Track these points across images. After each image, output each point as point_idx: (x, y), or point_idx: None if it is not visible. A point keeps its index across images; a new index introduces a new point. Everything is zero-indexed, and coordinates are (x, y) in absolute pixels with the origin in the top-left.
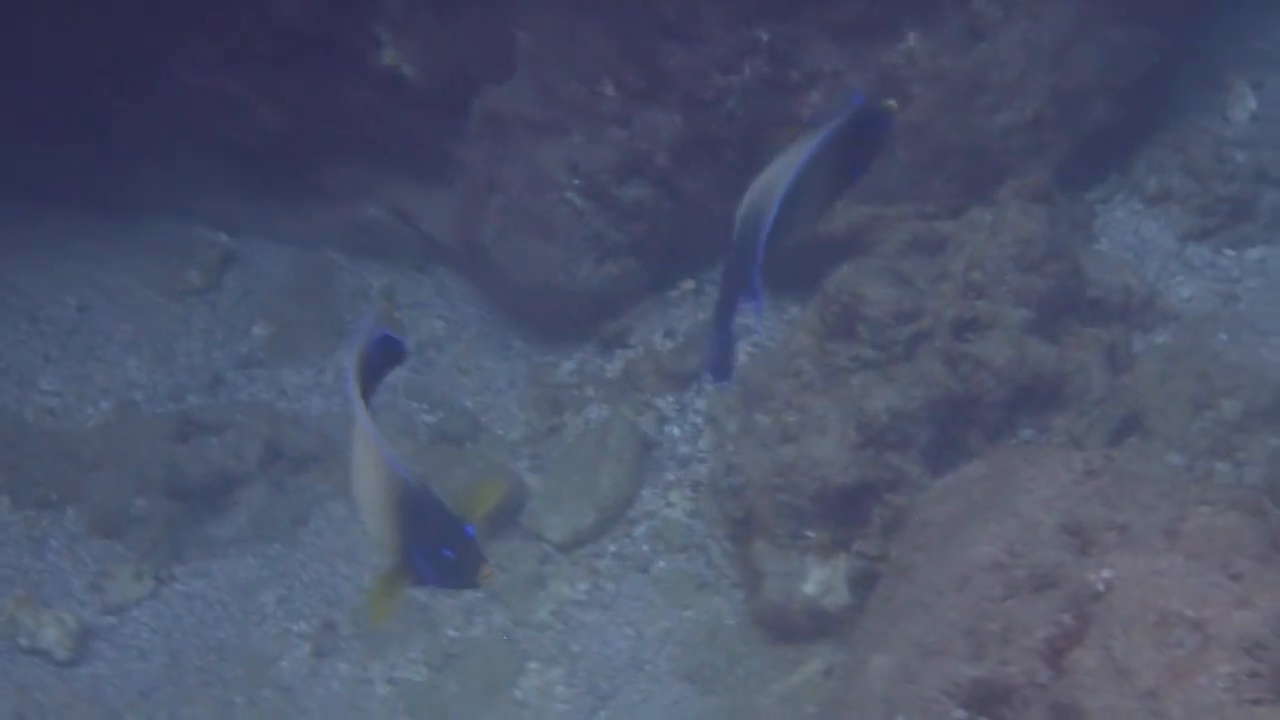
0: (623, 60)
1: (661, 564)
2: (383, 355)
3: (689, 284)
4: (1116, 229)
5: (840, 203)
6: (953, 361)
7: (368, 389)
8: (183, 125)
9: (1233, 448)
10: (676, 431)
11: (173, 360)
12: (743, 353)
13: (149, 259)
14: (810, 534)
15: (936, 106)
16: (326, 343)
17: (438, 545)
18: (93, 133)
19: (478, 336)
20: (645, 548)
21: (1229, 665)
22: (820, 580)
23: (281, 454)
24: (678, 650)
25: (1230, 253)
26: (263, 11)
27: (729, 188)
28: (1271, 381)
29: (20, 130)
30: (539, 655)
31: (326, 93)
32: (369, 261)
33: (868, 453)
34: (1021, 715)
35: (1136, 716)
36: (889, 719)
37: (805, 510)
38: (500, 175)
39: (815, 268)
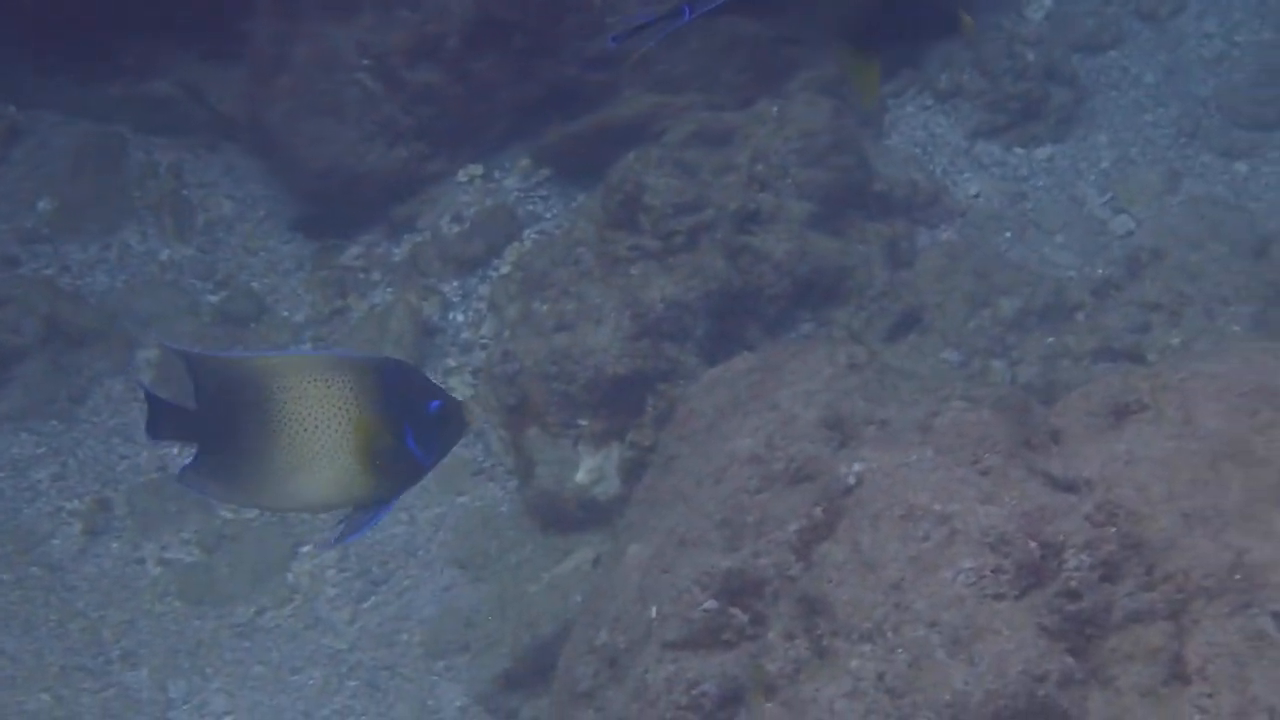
0: None
1: None
2: None
3: (477, 169)
4: (907, 124)
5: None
6: (733, 253)
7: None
8: None
9: (1008, 346)
10: (460, 317)
11: None
12: (529, 238)
13: None
14: (583, 422)
15: None
16: (112, 219)
17: (424, 403)
18: None
19: (266, 217)
20: None
21: (972, 560)
22: (592, 469)
23: (61, 330)
24: (450, 536)
25: (1019, 151)
26: None
27: (519, 73)
28: (1050, 280)
29: None
30: (312, 539)
31: None
32: (159, 138)
33: (643, 343)
34: (771, 607)
35: (881, 609)
36: (643, 608)
37: (578, 399)
38: (289, 54)
39: (602, 156)
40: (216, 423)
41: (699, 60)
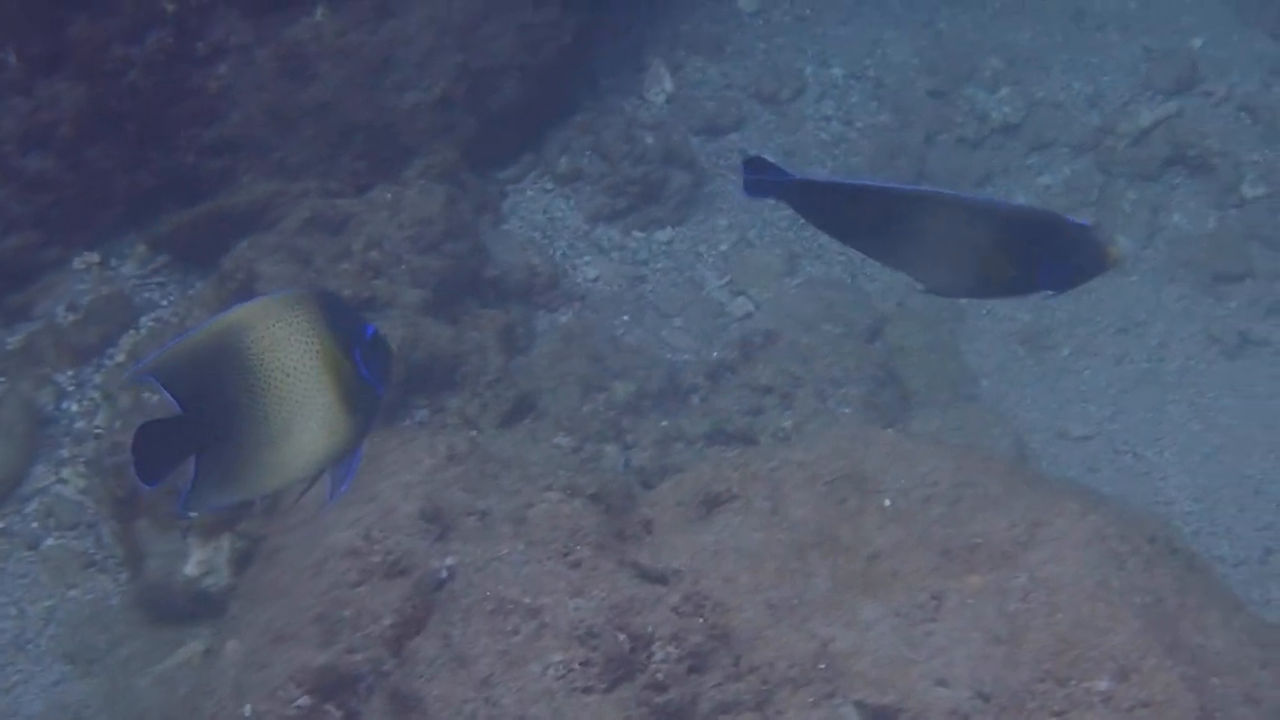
0: (26, 28)
1: (50, 541)
2: None
3: (94, 257)
4: (526, 208)
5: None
6: None
7: None
8: None
9: (622, 430)
10: (74, 407)
11: None
12: (146, 326)
13: None
14: (193, 514)
15: (345, 84)
16: None
17: (360, 328)
18: None
19: None
20: (35, 525)
21: (561, 653)
22: (201, 561)
23: None
24: (60, 630)
25: (639, 234)
26: None
27: (134, 160)
28: (665, 364)
29: None
30: None
31: None
32: None
33: None
34: (365, 703)
35: (471, 704)
36: (238, 705)
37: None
38: None
39: (220, 243)
40: (205, 412)
41: (316, 147)
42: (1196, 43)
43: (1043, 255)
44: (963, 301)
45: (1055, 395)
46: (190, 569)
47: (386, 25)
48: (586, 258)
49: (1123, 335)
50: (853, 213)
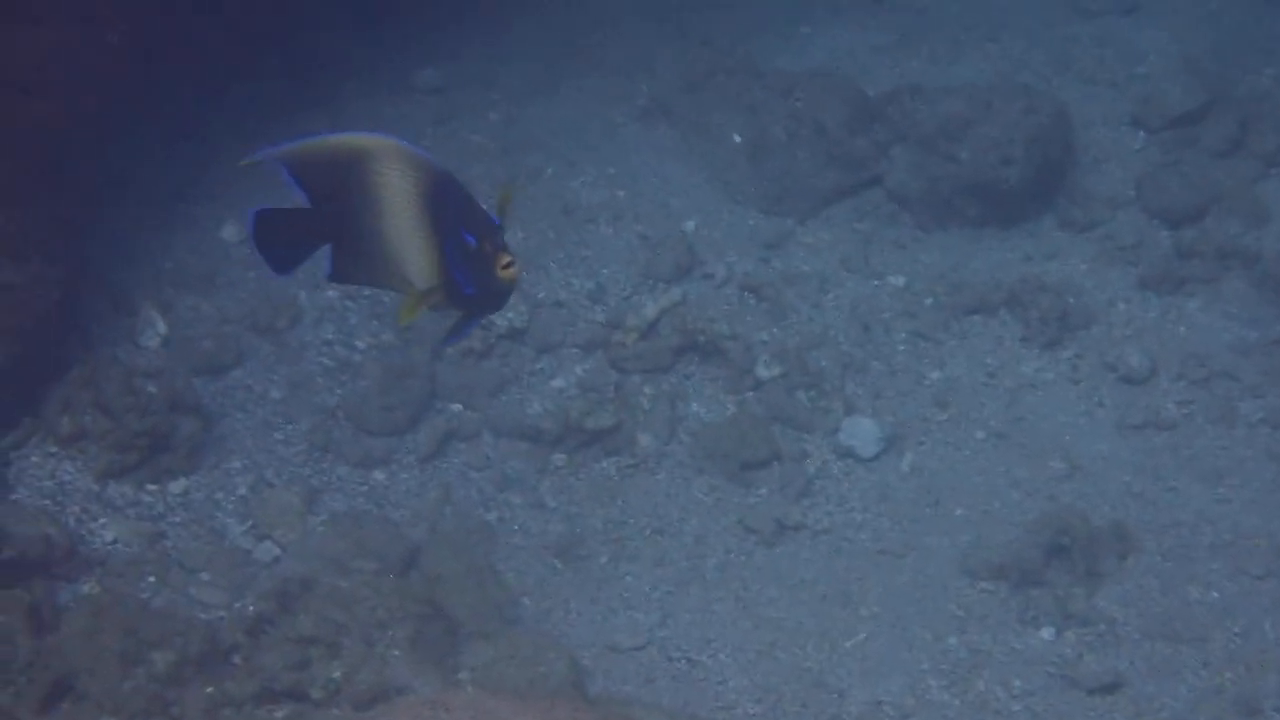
0: None
1: None
2: None
3: None
4: (33, 475)
5: None
6: None
7: None
8: None
9: (167, 703)
10: None
11: None
12: None
13: None
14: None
15: None
16: None
17: (458, 232)
18: None
19: None
20: None
21: None
22: None
23: None
24: None
25: (152, 488)
26: None
27: None
28: (202, 625)
29: None
30: None
31: None
32: None
33: None
34: None
35: None
36: None
37: None
38: None
39: None
40: (334, 209)
41: None
42: (690, 225)
43: None
44: (493, 519)
45: (599, 606)
46: None
47: None
48: (102, 519)
49: (659, 536)
50: None
